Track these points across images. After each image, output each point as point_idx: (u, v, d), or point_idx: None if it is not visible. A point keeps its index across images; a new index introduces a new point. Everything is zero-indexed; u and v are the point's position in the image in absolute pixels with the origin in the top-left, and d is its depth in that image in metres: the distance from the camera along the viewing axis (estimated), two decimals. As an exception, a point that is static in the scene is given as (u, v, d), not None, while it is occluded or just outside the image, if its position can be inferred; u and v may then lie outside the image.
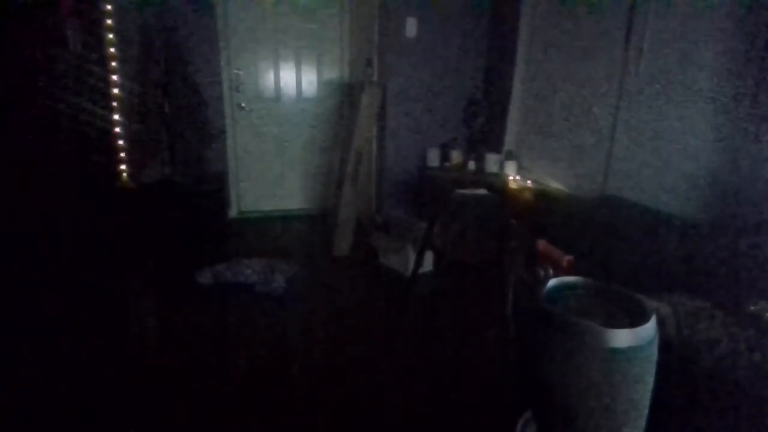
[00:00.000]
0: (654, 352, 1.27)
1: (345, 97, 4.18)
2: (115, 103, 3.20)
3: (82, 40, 3.06)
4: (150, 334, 2.49)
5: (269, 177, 4.27)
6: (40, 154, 2.96)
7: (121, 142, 3.26)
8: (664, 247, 2.03)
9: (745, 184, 1.89)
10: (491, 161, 3.59)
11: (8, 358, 2.06)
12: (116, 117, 3.22)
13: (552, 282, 1.44)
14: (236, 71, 3.93)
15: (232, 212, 4.14)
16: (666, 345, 1.34)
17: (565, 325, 1.27)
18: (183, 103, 3.47)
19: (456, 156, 3.74)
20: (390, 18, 3.57)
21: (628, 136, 2.58)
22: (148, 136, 3.43)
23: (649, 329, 1.24)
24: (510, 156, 3.60)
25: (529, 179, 3.37)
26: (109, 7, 3.06)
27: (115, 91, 3.19)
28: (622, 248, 2.14)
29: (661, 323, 1.39)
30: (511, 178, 3.41)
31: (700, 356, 1.47)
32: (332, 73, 4.23)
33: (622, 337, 1.21)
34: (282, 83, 4.14)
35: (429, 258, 3.00)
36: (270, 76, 4.09)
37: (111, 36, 3.11)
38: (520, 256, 2.47)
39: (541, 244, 2.58)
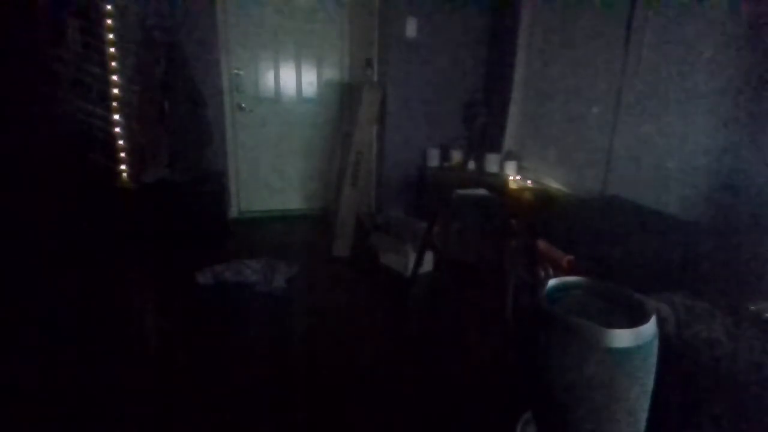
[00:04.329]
0: (654, 352, 1.27)
1: (345, 97, 4.18)
2: (115, 103, 3.20)
3: (82, 40, 3.06)
4: (150, 334, 2.49)
5: (269, 177, 4.27)
6: (40, 154, 2.96)
7: (120, 142, 3.26)
8: (664, 247, 2.03)
9: (745, 184, 1.89)
10: (491, 161, 3.59)
11: (8, 358, 2.06)
12: (116, 117, 3.22)
13: (552, 282, 1.44)
14: (236, 71, 3.93)
15: (232, 212, 4.14)
16: (666, 345, 1.34)
17: (565, 325, 1.27)
18: (183, 103, 3.47)
19: (456, 156, 3.75)
20: (390, 18, 3.58)
21: (628, 136, 2.58)
22: (148, 136, 3.43)
23: (649, 329, 1.24)
24: (510, 156, 3.60)
25: (529, 179, 3.37)
26: (109, 7, 3.06)
27: (115, 91, 3.19)
28: (622, 248, 2.14)
29: (661, 323, 1.39)
30: (511, 178, 3.41)
31: (700, 356, 1.47)
32: (332, 74, 4.23)
33: (622, 337, 1.21)
34: (282, 83, 4.13)
35: (429, 258, 3.00)
36: (270, 76, 4.09)
37: (111, 36, 3.11)
38: (520, 256, 2.47)
39: (541, 244, 2.58)
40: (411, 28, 3.59)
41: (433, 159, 3.78)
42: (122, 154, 3.28)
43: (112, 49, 3.13)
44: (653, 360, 1.27)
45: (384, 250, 3.29)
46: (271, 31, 3.96)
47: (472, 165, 3.67)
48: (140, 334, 2.45)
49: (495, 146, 3.68)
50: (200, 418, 1.78)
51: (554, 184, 3.20)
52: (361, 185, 3.52)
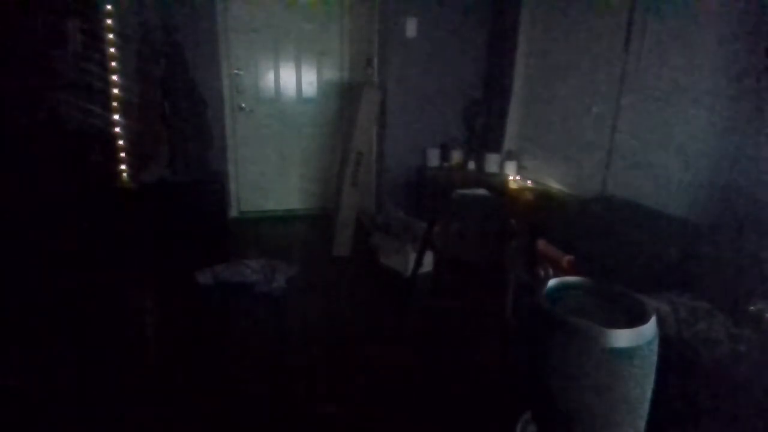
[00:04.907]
0: (654, 352, 1.27)
1: (345, 97, 4.18)
2: (115, 103, 3.20)
3: (82, 40, 3.06)
4: (150, 334, 2.49)
5: (269, 177, 4.27)
6: (40, 154, 2.96)
7: (121, 142, 3.26)
8: (664, 247, 2.03)
9: (745, 185, 1.89)
10: (491, 161, 3.59)
11: (7, 358, 2.06)
12: (116, 117, 3.22)
13: (552, 282, 1.44)
14: (236, 71, 3.93)
15: (232, 212, 4.14)
16: (666, 345, 1.34)
17: (565, 325, 1.27)
18: (183, 103, 3.47)
19: (456, 156, 3.74)
20: (390, 18, 3.57)
21: (628, 137, 2.58)
22: (148, 136, 3.43)
23: (649, 329, 1.24)
24: (510, 156, 3.60)
25: (529, 179, 3.37)
26: (109, 7, 3.06)
27: (115, 91, 3.19)
28: (622, 248, 2.14)
29: (661, 323, 1.39)
30: (511, 178, 3.41)
31: (700, 356, 1.47)
32: (332, 74, 4.23)
33: (622, 337, 1.21)
34: (282, 83, 4.13)
35: (429, 258, 3.00)
36: (270, 77, 4.09)
37: (111, 36, 3.11)
38: (520, 256, 2.47)
39: (541, 244, 2.58)
40: (411, 28, 3.59)
41: (433, 159, 3.78)
42: (122, 154, 3.28)
43: (112, 49, 3.13)
44: (653, 360, 1.27)
45: (384, 250, 3.29)
46: (271, 31, 3.96)
47: (472, 165, 3.67)
48: (140, 335, 2.45)
49: (495, 146, 3.68)
50: (200, 418, 1.78)
51: (554, 184, 3.20)
52: (361, 185, 3.52)
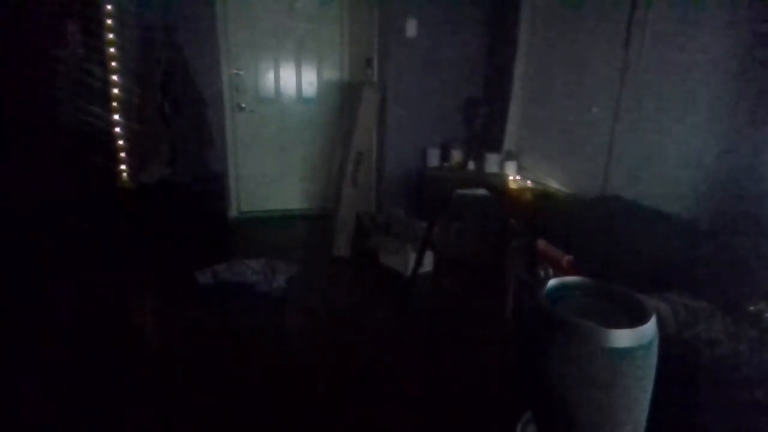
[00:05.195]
0: (654, 352, 1.27)
1: (345, 97, 4.18)
2: (115, 103, 3.20)
3: (82, 40, 3.06)
4: (150, 334, 2.49)
5: (269, 177, 4.27)
6: (40, 154, 2.95)
7: (121, 142, 3.26)
8: (664, 247, 2.03)
9: (745, 184, 1.89)
10: (491, 161, 3.59)
11: (8, 359, 2.06)
12: (116, 117, 3.22)
13: (552, 282, 1.44)
14: (236, 71, 3.93)
15: (232, 212, 4.14)
16: (666, 345, 1.34)
17: (565, 325, 1.27)
18: (183, 103, 3.47)
19: (456, 156, 3.75)
20: (390, 18, 3.58)
21: (628, 136, 2.58)
22: (148, 136, 3.43)
23: (649, 329, 1.24)
24: (510, 156, 3.60)
25: (529, 179, 3.37)
26: (109, 7, 3.06)
27: (115, 91, 3.19)
28: (622, 248, 2.14)
29: (661, 323, 1.39)
30: (511, 178, 3.42)
31: (700, 356, 1.47)
32: (332, 73, 4.23)
33: (622, 337, 1.21)
34: (282, 83, 4.13)
35: (429, 258, 3.00)
36: (270, 76, 4.09)
37: (111, 36, 3.11)
38: (520, 256, 2.47)
39: (541, 244, 2.58)
40: (411, 28, 3.59)
41: (433, 159, 3.78)
42: (122, 154, 3.28)
43: (112, 49, 3.13)
44: (653, 360, 1.27)
45: (384, 250, 3.29)
46: (271, 31, 3.96)
47: (472, 165, 3.68)
48: (140, 335, 2.45)
49: (495, 146, 3.68)
50: (200, 418, 1.78)
51: (554, 184, 3.20)
52: (361, 185, 3.52)
